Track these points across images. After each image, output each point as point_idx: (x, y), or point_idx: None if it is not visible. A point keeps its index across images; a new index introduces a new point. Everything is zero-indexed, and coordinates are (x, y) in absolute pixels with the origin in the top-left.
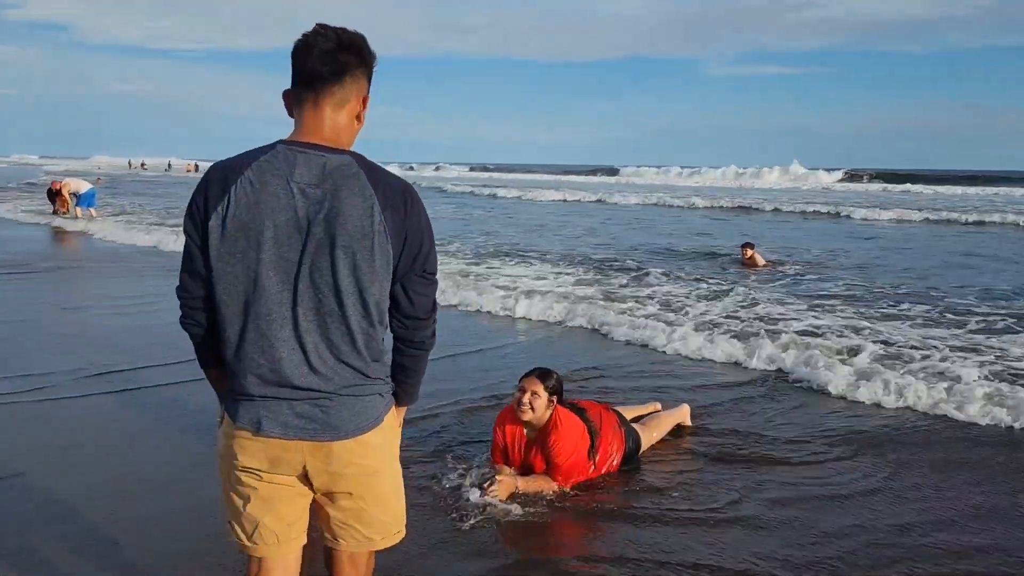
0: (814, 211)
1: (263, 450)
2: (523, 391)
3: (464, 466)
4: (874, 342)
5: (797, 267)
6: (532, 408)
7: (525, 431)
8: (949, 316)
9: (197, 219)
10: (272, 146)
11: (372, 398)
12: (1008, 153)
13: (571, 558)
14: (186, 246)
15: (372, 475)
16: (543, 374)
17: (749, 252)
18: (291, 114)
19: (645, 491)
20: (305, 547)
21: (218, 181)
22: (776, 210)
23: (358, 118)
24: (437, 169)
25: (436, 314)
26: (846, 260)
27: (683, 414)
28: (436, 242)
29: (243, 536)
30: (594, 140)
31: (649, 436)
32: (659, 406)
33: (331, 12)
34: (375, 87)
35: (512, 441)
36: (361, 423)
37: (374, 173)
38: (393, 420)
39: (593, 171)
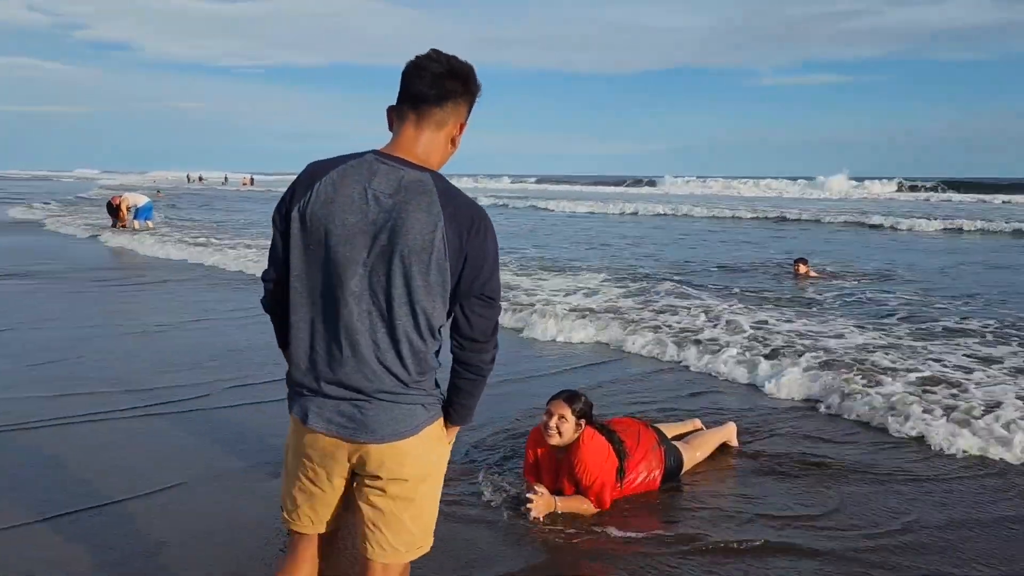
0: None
1: (312, 441)
2: (550, 415)
3: (499, 482)
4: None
5: (854, 280)
6: (560, 432)
7: (555, 452)
8: None
9: (283, 210)
10: (363, 154)
11: (412, 407)
12: None
13: None
14: (273, 234)
15: (407, 482)
16: (570, 397)
17: (803, 268)
18: (391, 128)
19: (682, 510)
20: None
21: (306, 178)
22: (818, 221)
23: (452, 142)
24: (477, 181)
25: (496, 339)
26: (909, 273)
27: (729, 432)
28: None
29: (285, 510)
30: (639, 151)
31: (692, 455)
32: (699, 423)
33: (378, 29)
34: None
35: (543, 462)
36: (398, 429)
37: (448, 193)
38: (438, 433)
39: (636, 182)
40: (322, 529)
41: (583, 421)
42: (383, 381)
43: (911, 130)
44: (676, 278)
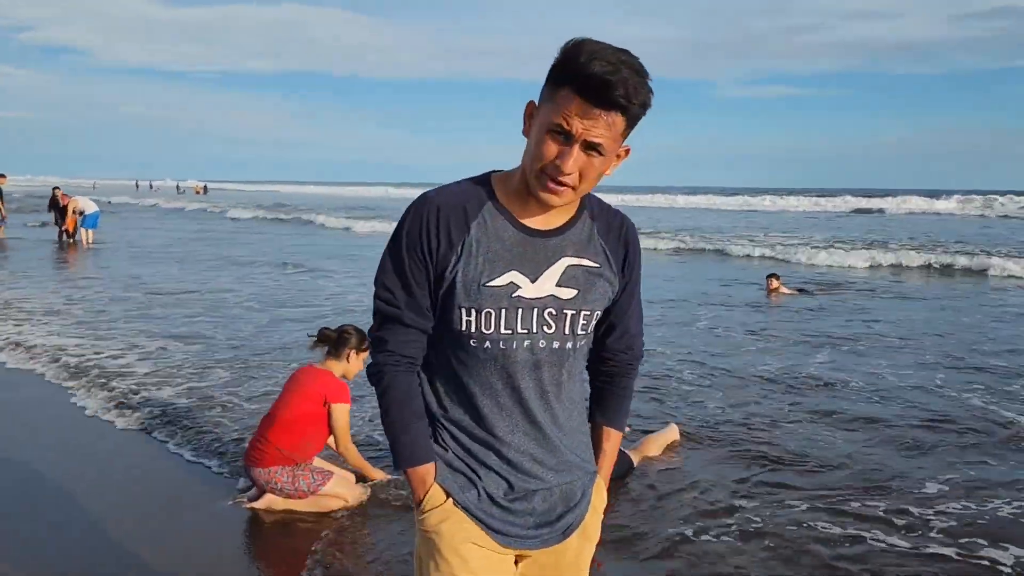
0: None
1: None
2: None
3: None
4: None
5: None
6: None
7: None
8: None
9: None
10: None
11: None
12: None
13: None
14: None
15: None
16: None
17: (775, 283)
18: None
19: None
20: None
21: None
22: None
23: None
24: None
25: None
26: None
27: (672, 434)
28: None
29: None
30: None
31: (638, 457)
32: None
33: (337, 37)
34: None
35: None
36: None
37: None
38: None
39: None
40: None
41: None
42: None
43: (865, 142)
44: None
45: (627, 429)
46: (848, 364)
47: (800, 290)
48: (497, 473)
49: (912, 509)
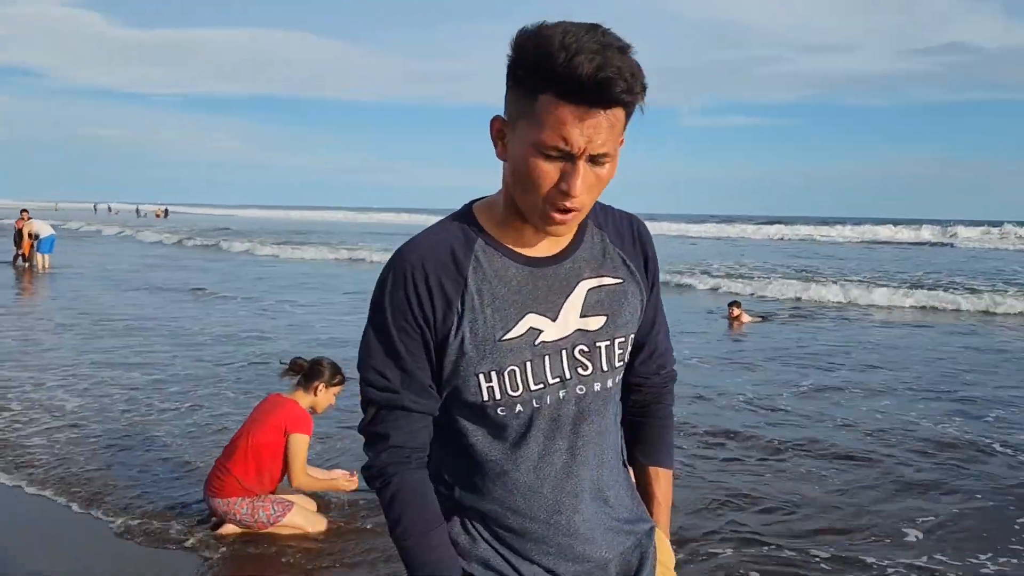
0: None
1: None
2: None
3: None
4: None
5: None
6: None
7: None
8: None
9: None
10: None
11: None
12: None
13: None
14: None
15: None
16: None
17: (736, 311)
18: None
19: None
20: None
21: None
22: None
23: None
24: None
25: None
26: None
27: None
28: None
29: None
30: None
31: None
32: None
33: (303, 61)
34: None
35: None
36: None
37: None
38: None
39: None
40: None
41: None
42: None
43: (820, 172)
44: None
45: (677, 469)
46: (816, 392)
47: (763, 317)
48: (541, 566)
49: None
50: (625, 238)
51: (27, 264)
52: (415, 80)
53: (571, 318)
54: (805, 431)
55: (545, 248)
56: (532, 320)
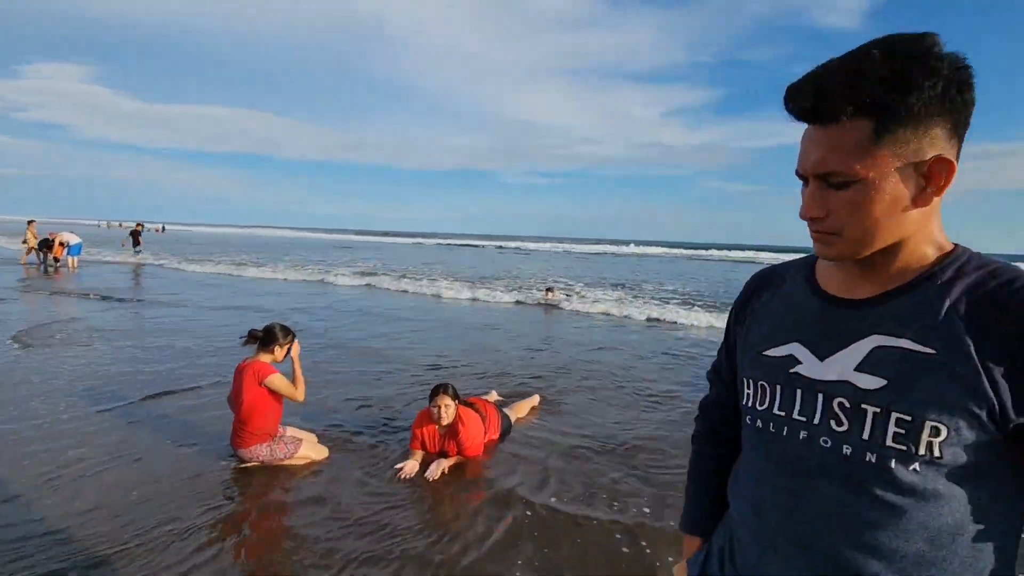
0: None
1: None
2: (437, 407)
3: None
4: None
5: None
6: (446, 415)
7: (438, 428)
8: None
9: None
10: None
11: None
12: None
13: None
14: None
15: None
16: (446, 388)
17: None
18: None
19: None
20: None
21: None
22: None
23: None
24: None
25: None
26: None
27: (534, 400)
28: None
29: None
30: (439, 218)
31: (514, 416)
32: (537, 398)
33: (264, 130)
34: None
35: (429, 437)
36: None
37: None
38: None
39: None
40: None
41: (456, 401)
42: None
43: (588, 212)
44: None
45: None
46: None
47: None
48: None
49: None
50: (982, 302)
51: (57, 264)
52: (345, 147)
53: (841, 367)
54: None
55: (848, 289)
56: (795, 349)
